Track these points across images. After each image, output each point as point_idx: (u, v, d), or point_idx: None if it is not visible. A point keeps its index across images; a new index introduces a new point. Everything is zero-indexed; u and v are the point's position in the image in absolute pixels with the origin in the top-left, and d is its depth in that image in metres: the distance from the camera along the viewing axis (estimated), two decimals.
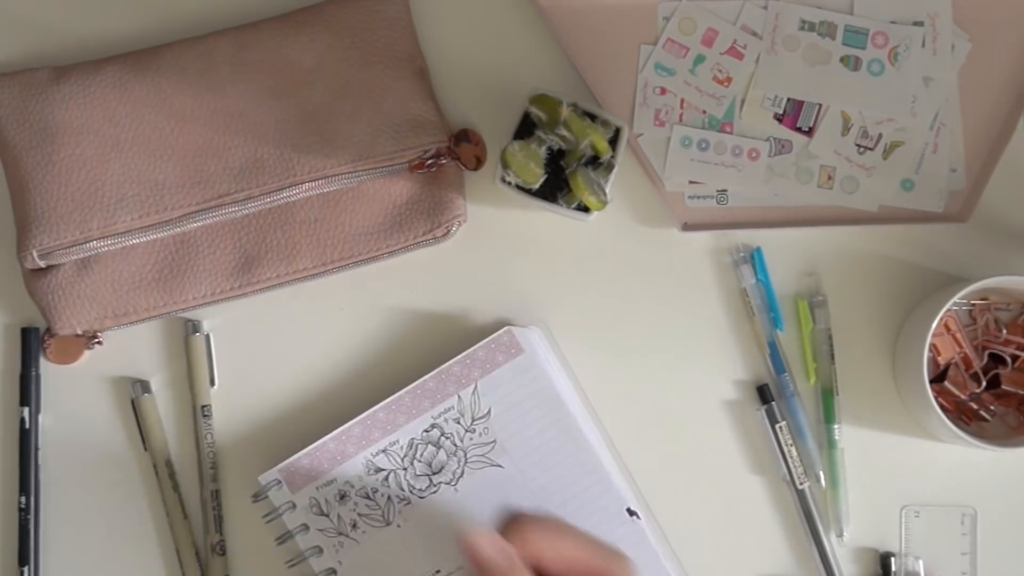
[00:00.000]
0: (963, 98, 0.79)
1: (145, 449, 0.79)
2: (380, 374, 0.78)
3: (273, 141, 0.76)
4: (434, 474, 0.76)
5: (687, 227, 0.79)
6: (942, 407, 0.72)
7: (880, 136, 0.79)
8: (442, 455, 0.76)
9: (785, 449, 0.77)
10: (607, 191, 0.73)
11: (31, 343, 0.79)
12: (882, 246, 0.79)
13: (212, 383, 0.79)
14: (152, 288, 0.76)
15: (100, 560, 0.79)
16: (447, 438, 0.76)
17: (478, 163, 0.78)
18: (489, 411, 0.76)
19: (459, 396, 0.76)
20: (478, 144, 0.78)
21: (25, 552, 0.77)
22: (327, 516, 0.76)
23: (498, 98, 0.79)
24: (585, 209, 0.73)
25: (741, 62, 0.79)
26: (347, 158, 0.75)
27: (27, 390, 0.78)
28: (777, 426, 0.77)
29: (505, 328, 0.76)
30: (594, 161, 0.74)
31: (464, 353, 0.76)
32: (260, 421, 0.79)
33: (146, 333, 0.79)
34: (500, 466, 0.76)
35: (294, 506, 0.76)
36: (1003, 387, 0.76)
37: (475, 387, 0.76)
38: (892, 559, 0.77)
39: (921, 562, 0.77)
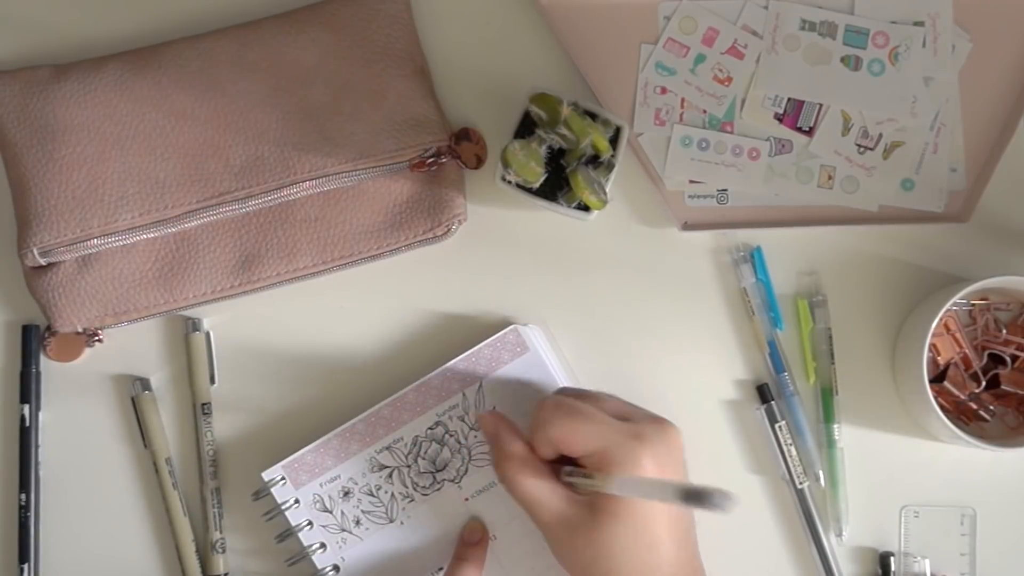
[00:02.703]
0: (963, 98, 0.79)
1: (145, 447, 0.79)
2: (379, 372, 0.78)
3: (274, 140, 0.76)
4: (438, 471, 0.76)
5: (687, 226, 0.79)
6: (942, 407, 0.72)
7: (880, 136, 0.79)
8: (446, 453, 0.76)
9: (784, 448, 0.77)
10: (607, 190, 0.73)
11: (31, 340, 0.79)
12: (882, 246, 0.79)
13: (212, 381, 0.79)
14: (152, 286, 0.76)
15: (100, 558, 0.79)
16: (451, 436, 0.76)
17: (478, 162, 0.78)
18: (494, 409, 0.76)
19: (464, 394, 0.76)
20: (479, 143, 0.78)
21: (25, 549, 0.77)
22: (330, 512, 0.76)
23: (499, 97, 0.79)
24: (585, 208, 0.73)
25: (742, 62, 0.79)
26: (347, 157, 0.75)
27: (27, 387, 0.78)
28: (776, 425, 0.77)
29: (511, 327, 0.76)
30: (594, 160, 0.74)
31: (469, 351, 0.76)
32: (260, 419, 0.79)
33: (146, 331, 0.79)
34: None
35: (297, 502, 0.76)
36: (1002, 387, 0.76)
37: (480, 385, 0.76)
38: (891, 559, 0.77)
39: (927, 562, 0.77)
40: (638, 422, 0.68)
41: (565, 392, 0.73)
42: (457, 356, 0.76)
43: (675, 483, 0.59)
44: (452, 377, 0.76)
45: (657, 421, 0.69)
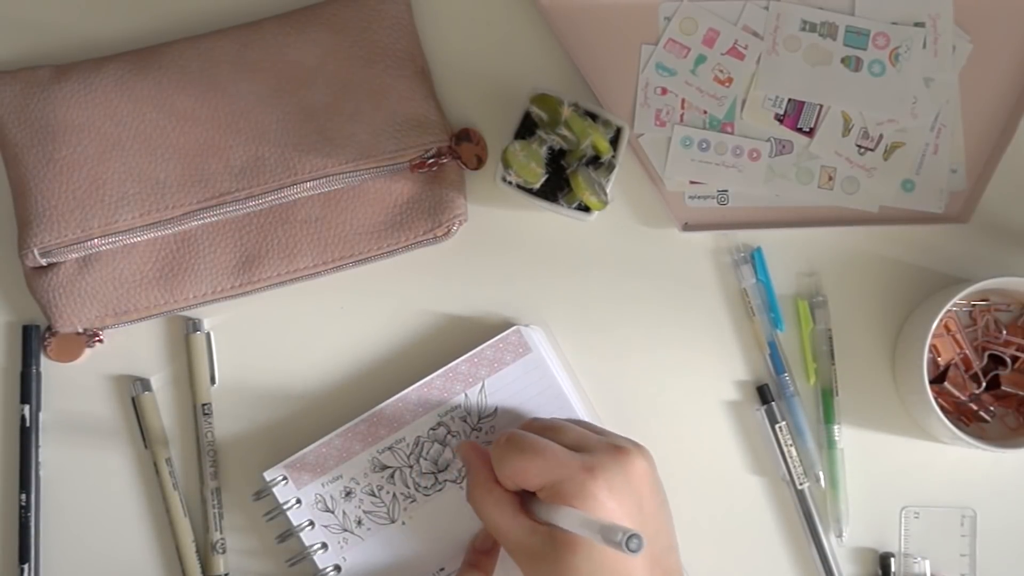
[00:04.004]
0: (964, 99, 0.79)
1: (145, 447, 0.79)
2: (380, 373, 0.78)
3: (274, 140, 0.76)
4: (440, 472, 0.76)
5: (687, 227, 0.79)
6: (942, 408, 0.72)
7: (881, 137, 0.79)
8: (448, 453, 0.76)
9: (785, 449, 0.77)
10: (608, 191, 0.73)
11: (32, 341, 0.79)
12: (882, 247, 0.79)
13: (212, 381, 0.79)
14: (153, 286, 0.76)
15: (100, 558, 0.79)
16: (453, 436, 0.76)
17: (479, 162, 0.78)
18: (496, 410, 0.76)
19: (466, 394, 0.76)
20: (479, 143, 0.78)
21: (25, 550, 0.77)
22: (332, 513, 0.76)
23: (499, 97, 0.79)
24: (586, 209, 0.73)
25: (742, 62, 0.79)
26: (348, 157, 0.75)
27: (28, 388, 0.78)
28: (777, 426, 0.77)
29: (514, 328, 0.76)
30: (595, 161, 0.74)
31: (472, 352, 0.76)
32: (260, 419, 0.79)
33: (147, 331, 0.79)
34: None
35: (299, 502, 0.76)
36: (1003, 388, 0.76)
37: (482, 386, 0.76)
38: (891, 560, 0.77)
39: (928, 563, 0.77)
40: (595, 452, 0.66)
41: (533, 423, 0.72)
42: (459, 357, 0.76)
43: (597, 521, 0.58)
44: (454, 378, 0.76)
45: (616, 450, 0.67)
